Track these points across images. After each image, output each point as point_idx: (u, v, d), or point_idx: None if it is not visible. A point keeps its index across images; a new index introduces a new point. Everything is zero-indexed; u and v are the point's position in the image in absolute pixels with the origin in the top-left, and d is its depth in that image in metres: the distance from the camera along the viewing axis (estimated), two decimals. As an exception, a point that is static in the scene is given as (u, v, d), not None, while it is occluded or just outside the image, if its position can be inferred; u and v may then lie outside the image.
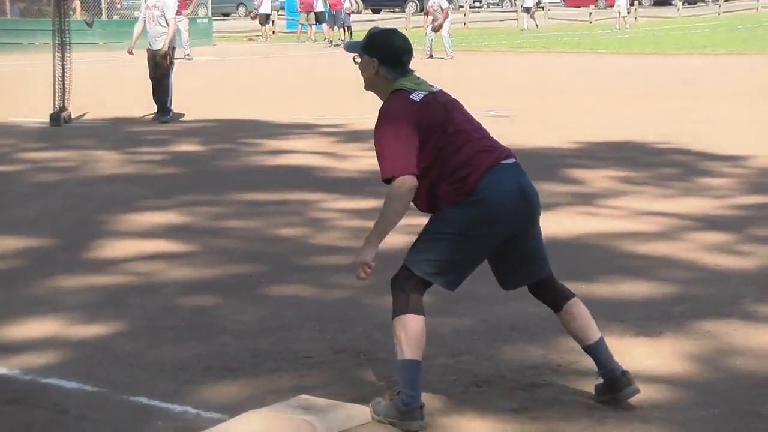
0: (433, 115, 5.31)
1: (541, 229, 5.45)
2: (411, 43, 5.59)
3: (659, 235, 9.22)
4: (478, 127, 5.42)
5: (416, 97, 5.37)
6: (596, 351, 5.40)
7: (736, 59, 30.04)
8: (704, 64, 28.74)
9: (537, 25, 49.06)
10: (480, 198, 5.17)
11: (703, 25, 50.11)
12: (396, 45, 5.48)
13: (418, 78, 5.52)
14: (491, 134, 5.39)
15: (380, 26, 6.26)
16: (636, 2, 61.60)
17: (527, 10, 50.15)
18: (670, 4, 67.61)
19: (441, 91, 5.49)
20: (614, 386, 5.33)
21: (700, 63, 29.26)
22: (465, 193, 5.19)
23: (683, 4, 66.14)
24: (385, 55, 5.42)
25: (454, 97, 5.52)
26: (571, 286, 7.27)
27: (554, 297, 5.54)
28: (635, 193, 11.08)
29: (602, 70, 27.74)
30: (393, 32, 5.61)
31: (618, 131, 15.59)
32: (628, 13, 51.03)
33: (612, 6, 53.14)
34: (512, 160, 5.32)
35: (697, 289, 7.56)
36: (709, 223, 9.66)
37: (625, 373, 5.35)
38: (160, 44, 16.95)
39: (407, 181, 5.17)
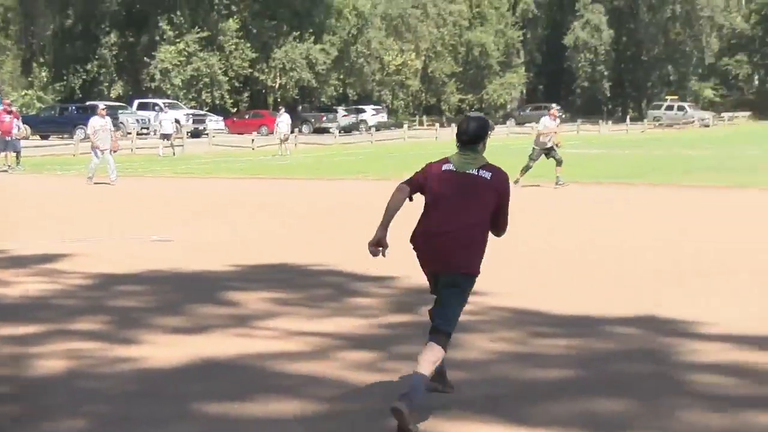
0: (436, 182, 7.29)
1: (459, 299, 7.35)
2: (478, 130, 7.36)
3: (310, 354, 9.36)
4: (452, 213, 7.21)
5: (446, 166, 7.33)
6: (413, 377, 7.00)
7: (386, 183, 31.06)
8: (359, 188, 29.56)
9: (174, 153, 49.17)
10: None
11: (358, 152, 51.70)
12: (458, 128, 7.42)
13: (469, 157, 7.31)
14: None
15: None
16: (296, 130, 63.05)
17: (166, 136, 50.38)
18: (328, 132, 69.59)
19: (479, 177, 7.23)
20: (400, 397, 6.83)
21: (355, 187, 30.09)
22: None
23: (340, 133, 68.24)
24: (456, 132, 7.43)
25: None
26: (225, 406, 7.32)
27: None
28: (289, 314, 11.21)
29: (265, 194, 28.07)
30: (465, 118, 7.54)
31: (275, 254, 15.78)
32: (287, 139, 51.93)
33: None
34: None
35: (343, 406, 7.72)
36: (357, 341, 9.90)
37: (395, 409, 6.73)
38: None
39: (399, 185, 7.51)
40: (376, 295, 12.47)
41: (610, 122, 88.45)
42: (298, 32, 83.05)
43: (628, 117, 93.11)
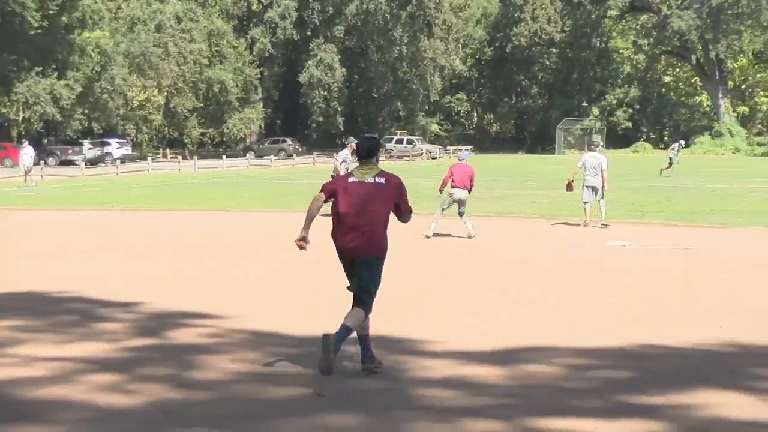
0: (344, 192, 9.03)
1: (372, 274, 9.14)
2: (372, 147, 9.20)
3: (55, 378, 9.13)
4: (357, 214, 9.02)
5: (350, 179, 9.11)
6: (360, 341, 9.32)
7: (131, 214, 30.55)
8: (104, 218, 28.94)
9: None
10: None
11: (103, 184, 50.65)
12: (357, 146, 9.26)
13: (366, 168, 9.12)
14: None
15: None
16: (42, 162, 61.28)
17: None
18: (75, 164, 67.91)
19: (375, 184, 9.05)
20: (362, 361, 9.33)
21: (101, 217, 29.45)
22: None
23: (86, 165, 66.69)
24: (356, 150, 9.25)
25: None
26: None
27: None
28: (34, 341, 10.87)
29: (9, 224, 27.10)
30: (362, 138, 9.37)
31: (18, 282, 15.24)
32: (31, 171, 50.30)
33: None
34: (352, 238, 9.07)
35: (89, 428, 7.57)
36: (102, 365, 9.69)
37: (365, 359, 9.30)
38: None
39: (317, 193, 9.29)
40: (121, 320, 12.25)
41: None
42: (41, 68, 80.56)
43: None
